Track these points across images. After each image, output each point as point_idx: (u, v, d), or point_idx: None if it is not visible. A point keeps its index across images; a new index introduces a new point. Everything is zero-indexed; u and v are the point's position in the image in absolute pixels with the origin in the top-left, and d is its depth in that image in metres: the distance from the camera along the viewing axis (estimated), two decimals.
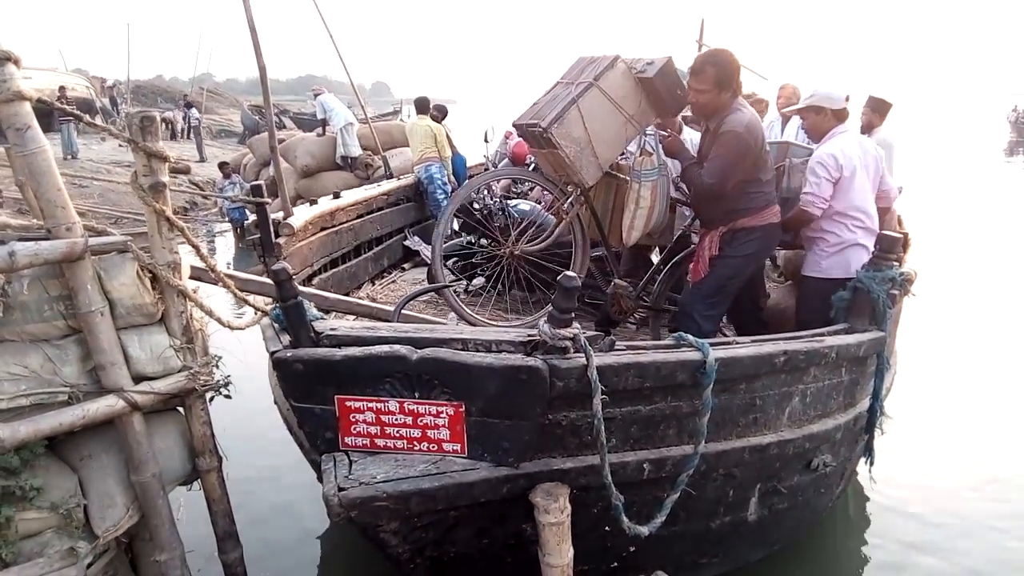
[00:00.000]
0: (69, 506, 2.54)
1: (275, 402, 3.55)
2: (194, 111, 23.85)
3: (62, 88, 19.83)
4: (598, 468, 2.26)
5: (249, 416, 4.22)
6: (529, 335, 2.26)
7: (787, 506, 3.12)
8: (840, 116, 3.83)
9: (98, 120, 2.73)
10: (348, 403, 2.20)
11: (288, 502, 4.23)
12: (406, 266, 7.06)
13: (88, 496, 2.60)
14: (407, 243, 7.19)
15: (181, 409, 2.82)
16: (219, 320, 2.73)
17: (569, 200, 4.10)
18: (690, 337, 2.54)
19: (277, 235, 4.30)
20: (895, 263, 3.28)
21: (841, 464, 3.36)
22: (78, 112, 2.74)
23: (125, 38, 28.61)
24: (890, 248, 3.25)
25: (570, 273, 2.12)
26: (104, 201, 12.62)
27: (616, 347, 2.42)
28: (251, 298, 2.99)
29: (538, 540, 2.30)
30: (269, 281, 3.31)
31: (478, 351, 2.22)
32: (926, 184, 15.95)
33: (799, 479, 3.09)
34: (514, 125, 4.05)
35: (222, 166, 13.24)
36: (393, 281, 6.17)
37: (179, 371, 2.69)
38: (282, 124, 23.13)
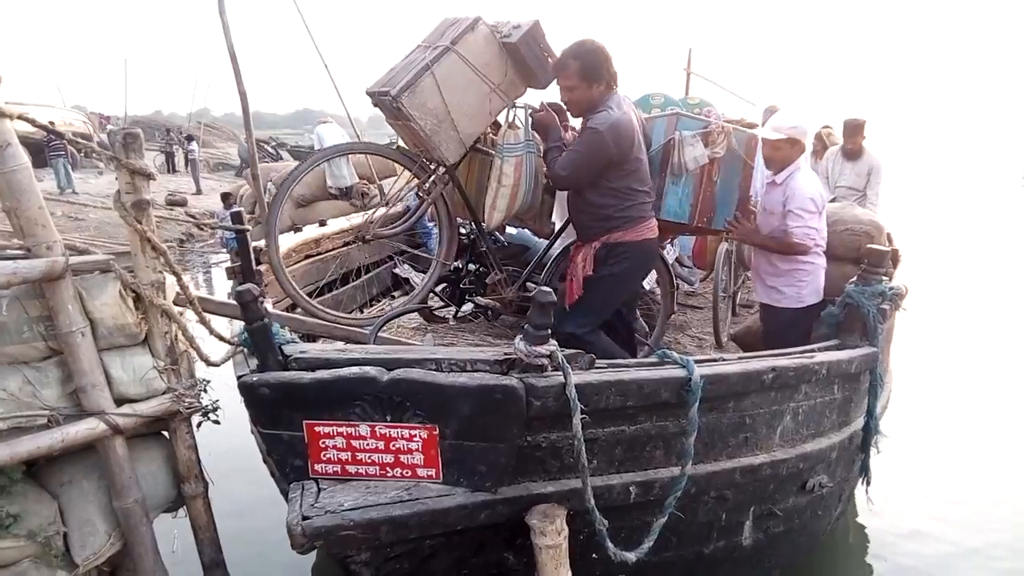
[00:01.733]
0: (48, 534, 2.34)
1: (251, 430, 3.27)
2: (193, 144, 23.32)
3: (51, 122, 19.70)
4: (581, 492, 2.01)
5: (238, 442, 3.97)
6: (505, 353, 2.03)
7: (783, 530, 2.83)
8: (803, 149, 3.64)
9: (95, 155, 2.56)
10: (317, 428, 1.97)
11: (278, 531, 3.94)
12: (396, 294, 6.79)
13: (68, 523, 2.40)
14: (396, 271, 6.93)
15: (166, 433, 2.61)
16: (198, 351, 2.52)
17: (431, 179, 3.49)
18: (674, 354, 2.30)
19: (259, 262, 4.07)
20: (884, 278, 3.04)
21: (838, 485, 3.08)
22: (72, 136, 2.57)
23: (123, 74, 27.96)
24: (878, 262, 3.01)
25: (545, 288, 1.90)
26: (100, 234, 12.38)
27: (596, 364, 2.18)
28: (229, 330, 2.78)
29: (535, 565, 2.04)
30: (230, 303, 3.12)
31: (452, 371, 1.99)
32: (932, 203, 15.53)
33: (795, 501, 2.81)
34: (367, 93, 3.44)
35: (224, 197, 13.05)
36: (382, 310, 5.93)
37: (163, 393, 2.49)
38: (279, 156, 22.94)
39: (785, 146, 3.50)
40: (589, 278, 3.26)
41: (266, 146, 23.72)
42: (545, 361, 1.94)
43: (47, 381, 2.33)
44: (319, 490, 1.97)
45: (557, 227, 4.04)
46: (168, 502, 2.63)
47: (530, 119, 3.44)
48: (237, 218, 4.12)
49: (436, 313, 5.07)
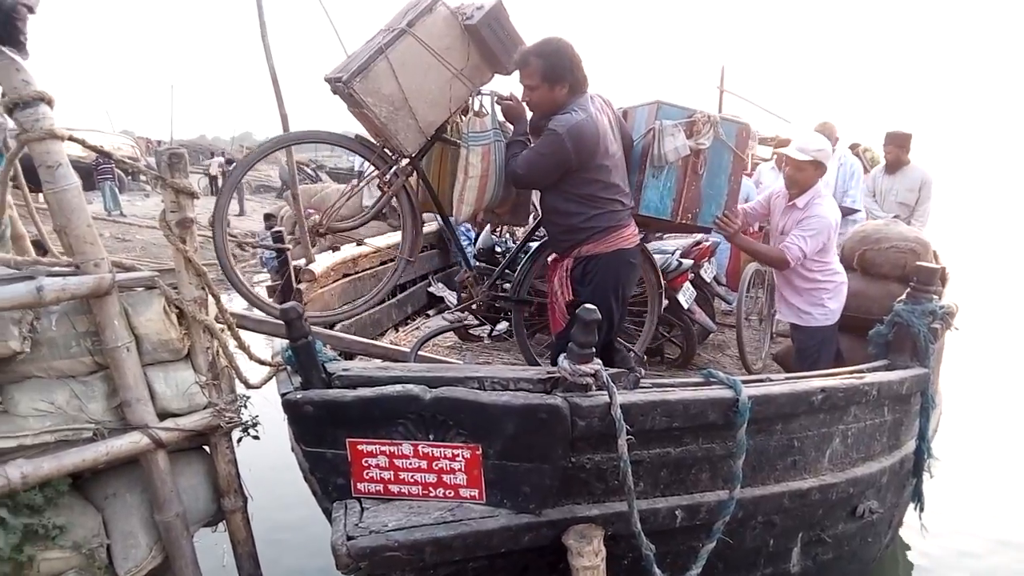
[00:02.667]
0: (92, 546, 2.32)
1: (292, 448, 3.15)
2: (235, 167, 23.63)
3: (100, 146, 20.09)
4: (627, 515, 1.93)
5: (276, 458, 3.94)
6: (548, 372, 1.96)
7: (832, 557, 2.70)
8: (824, 173, 3.54)
9: (143, 177, 2.58)
10: (360, 447, 1.92)
11: (316, 547, 3.90)
12: (430, 312, 6.74)
13: (112, 535, 2.38)
14: (431, 289, 6.89)
15: (206, 447, 2.58)
16: (238, 372, 2.50)
17: (392, 170, 3.22)
18: (721, 374, 2.21)
19: (298, 281, 4.05)
20: (934, 296, 2.91)
21: (888, 511, 2.93)
22: (109, 153, 2.59)
23: (169, 100, 28.40)
24: (928, 280, 2.89)
25: (589, 306, 1.83)
26: (146, 254, 12.56)
27: (641, 384, 2.10)
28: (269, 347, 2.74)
29: None
30: (269, 320, 3.08)
31: (495, 389, 1.93)
32: (978, 219, 15.01)
33: (844, 527, 2.68)
34: (324, 80, 3.17)
35: (267, 218, 13.17)
36: (417, 327, 5.88)
37: (204, 408, 2.47)
38: (318, 178, 23.12)
39: (809, 168, 3.42)
40: (571, 303, 2.98)
41: (306, 168, 24.07)
42: (590, 380, 1.87)
43: (93, 395, 2.32)
44: (362, 510, 1.91)
45: (532, 223, 3.81)
46: (208, 516, 2.60)
47: (497, 107, 3.20)
48: (278, 238, 4.13)
49: (471, 332, 5.02)
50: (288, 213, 13.90)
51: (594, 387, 1.89)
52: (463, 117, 3.19)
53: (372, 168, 3.28)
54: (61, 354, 2.27)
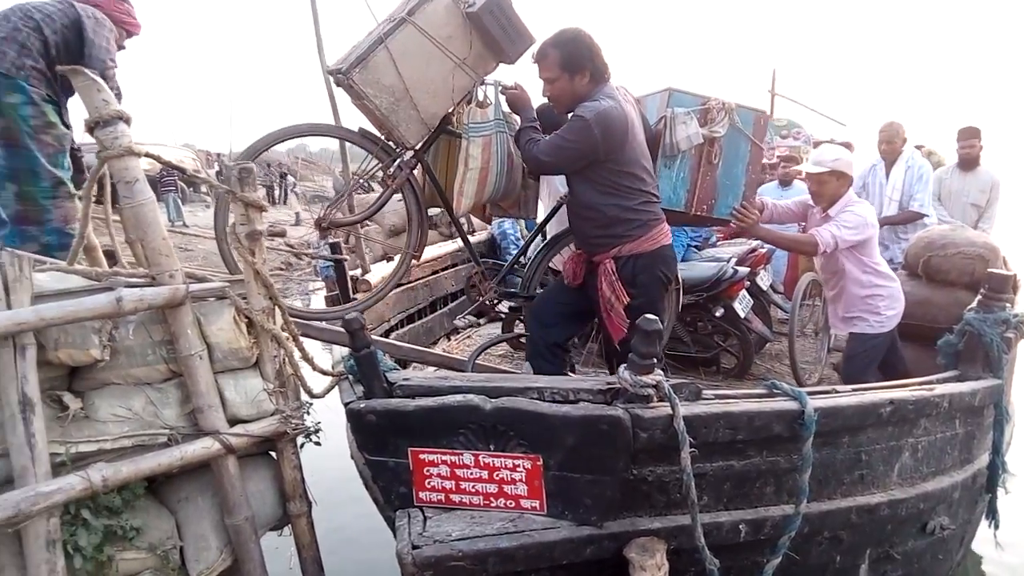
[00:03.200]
0: (166, 547, 2.38)
1: (351, 456, 3.20)
2: (289, 178, 23.86)
3: (170, 160, 20.70)
4: (690, 529, 1.89)
5: (336, 464, 3.98)
6: (608, 383, 1.94)
7: (901, 574, 2.59)
8: (850, 183, 3.42)
9: (203, 188, 2.67)
10: (422, 456, 1.93)
11: (377, 554, 3.92)
12: (481, 321, 6.77)
13: (184, 538, 2.43)
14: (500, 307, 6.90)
15: (273, 453, 2.63)
16: (302, 382, 2.54)
17: (396, 163, 3.12)
18: (785, 385, 2.15)
19: (355, 291, 4.09)
20: (1007, 304, 2.78)
21: (960, 527, 2.80)
22: (183, 168, 2.67)
23: (229, 114, 29.21)
24: (1000, 288, 2.76)
25: (650, 316, 1.80)
26: (207, 263, 12.90)
27: (703, 395, 2.06)
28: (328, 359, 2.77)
29: None
30: (330, 328, 3.12)
31: (555, 400, 1.91)
32: None
33: (914, 544, 2.57)
34: (327, 73, 3.10)
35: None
36: (468, 336, 5.92)
37: (272, 415, 2.51)
38: (371, 188, 23.38)
39: (831, 180, 3.31)
40: (630, 307, 2.84)
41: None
42: (651, 391, 1.84)
43: (168, 401, 2.39)
44: (425, 519, 1.92)
45: (541, 216, 3.69)
46: (274, 520, 2.64)
47: (501, 96, 3.11)
48: (335, 248, 4.20)
49: (523, 341, 5.01)
50: None
51: (655, 398, 1.85)
52: (465, 108, 3.10)
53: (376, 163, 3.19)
54: (138, 362, 2.34)
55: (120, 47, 3.21)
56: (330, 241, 4.46)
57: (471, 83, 3.06)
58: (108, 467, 2.17)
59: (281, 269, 14.57)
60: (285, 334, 2.53)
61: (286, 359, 2.55)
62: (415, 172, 3.22)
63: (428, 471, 1.96)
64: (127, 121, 2.20)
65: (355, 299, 4.04)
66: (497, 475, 1.91)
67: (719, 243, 5.97)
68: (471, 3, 2.93)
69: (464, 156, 2.99)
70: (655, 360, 1.81)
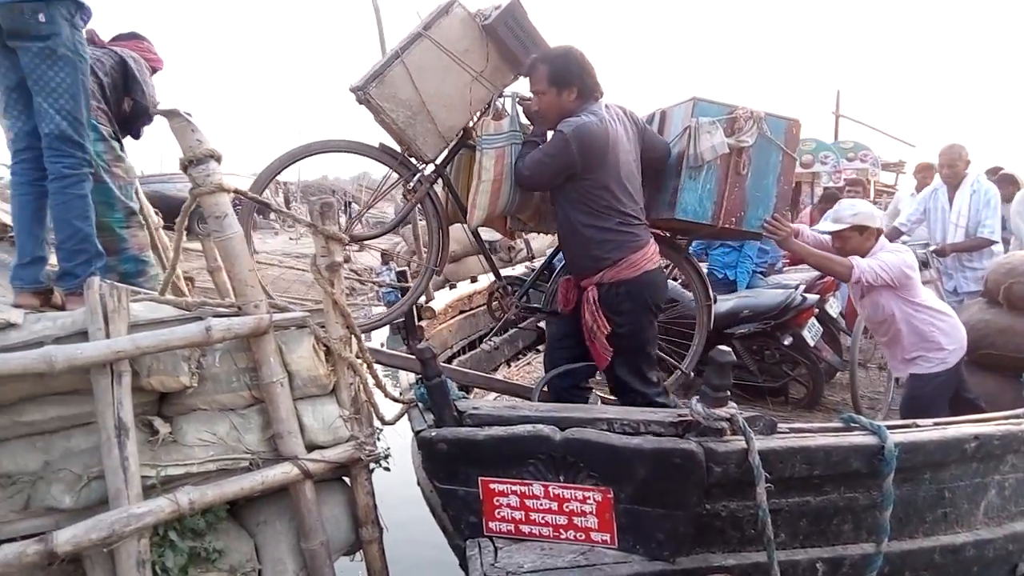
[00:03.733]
0: (246, 570, 2.44)
1: (417, 483, 3.20)
2: (354, 206, 24.25)
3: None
4: (765, 567, 1.84)
5: (403, 490, 3.98)
6: (680, 415, 1.91)
7: None
8: (878, 234, 3.19)
9: (271, 216, 2.78)
10: (492, 485, 1.94)
11: None
12: (540, 348, 6.76)
13: (262, 561, 2.49)
14: (541, 324, 6.88)
15: (346, 479, 2.68)
16: (375, 408, 2.60)
17: (416, 177, 3.10)
18: (863, 419, 2.07)
19: (420, 318, 4.14)
20: None
21: None
22: (264, 201, 2.78)
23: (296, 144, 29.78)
24: None
25: (724, 348, 1.77)
26: (276, 288, 13.11)
27: (778, 429, 2.00)
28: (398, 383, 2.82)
29: None
30: (412, 357, 3.16)
31: (625, 432, 1.90)
32: None
33: None
34: (349, 90, 3.03)
35: (383, 254, 13.63)
36: (529, 363, 5.91)
37: (346, 441, 2.57)
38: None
39: (853, 235, 3.14)
40: (613, 335, 2.82)
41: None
42: (725, 425, 1.80)
43: (250, 427, 2.47)
44: (496, 549, 1.92)
45: None
46: (347, 545, 2.68)
47: (519, 108, 3.06)
48: (402, 276, 4.29)
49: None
50: (403, 248, 14.49)
51: (729, 431, 1.82)
52: (480, 120, 3.07)
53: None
54: (223, 388, 2.44)
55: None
56: (397, 269, 4.55)
57: (489, 95, 3.05)
58: (195, 490, 2.26)
59: (346, 294, 14.85)
60: (360, 361, 2.59)
61: (360, 386, 2.61)
62: (436, 187, 3.23)
63: (498, 501, 1.96)
64: (218, 159, 2.32)
65: (420, 325, 4.11)
66: (567, 507, 1.90)
67: (785, 268, 5.82)
68: (487, 16, 2.93)
69: (477, 168, 2.96)
70: (727, 393, 1.78)
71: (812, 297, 4.25)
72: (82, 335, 2.21)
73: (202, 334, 2.25)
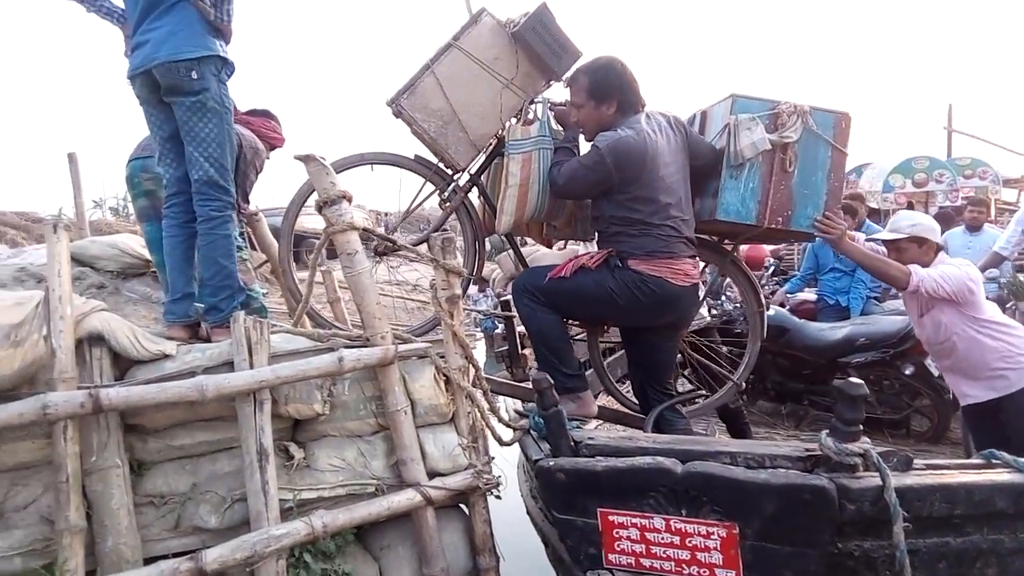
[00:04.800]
0: None
1: (527, 512, 3.17)
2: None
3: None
4: None
5: (510, 517, 3.96)
6: (807, 449, 1.85)
7: None
8: (939, 248, 2.95)
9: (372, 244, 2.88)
10: (611, 517, 1.94)
11: None
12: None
13: None
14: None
15: (463, 506, 2.74)
16: (493, 431, 2.65)
17: (451, 187, 3.11)
18: (1006, 455, 1.93)
19: (523, 347, 4.17)
20: None
21: None
22: (381, 234, 2.92)
23: (399, 176, 30.81)
24: None
25: (855, 380, 1.71)
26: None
27: (914, 465, 1.90)
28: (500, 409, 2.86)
29: None
30: (520, 385, 3.19)
31: (749, 466, 1.85)
32: None
33: None
34: (386, 104, 3.03)
35: (478, 281, 13.71)
36: (628, 391, 5.79)
37: (465, 468, 2.63)
38: (524, 242, 23.72)
39: (910, 247, 2.92)
40: (583, 270, 2.74)
41: None
42: (857, 460, 1.73)
43: (375, 453, 2.58)
44: None
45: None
46: (464, 573, 2.71)
47: (549, 114, 3.02)
48: (505, 306, 4.35)
49: (697, 401, 4.87)
50: (499, 276, 14.64)
51: (862, 468, 1.75)
52: (508, 126, 3.04)
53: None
54: (351, 416, 2.56)
55: (267, 157, 3.56)
56: (503, 298, 4.63)
57: (520, 102, 3.04)
58: (328, 514, 2.37)
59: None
60: (477, 389, 2.67)
61: (478, 414, 2.68)
62: (472, 196, 3.25)
63: (618, 533, 1.96)
64: (349, 200, 2.48)
65: (524, 353, 4.13)
66: (690, 541, 1.87)
67: (900, 295, 5.51)
68: (516, 23, 2.94)
69: (505, 174, 2.95)
70: (860, 427, 1.72)
71: None
72: (227, 365, 2.39)
73: (335, 364, 2.39)
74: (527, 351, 4.39)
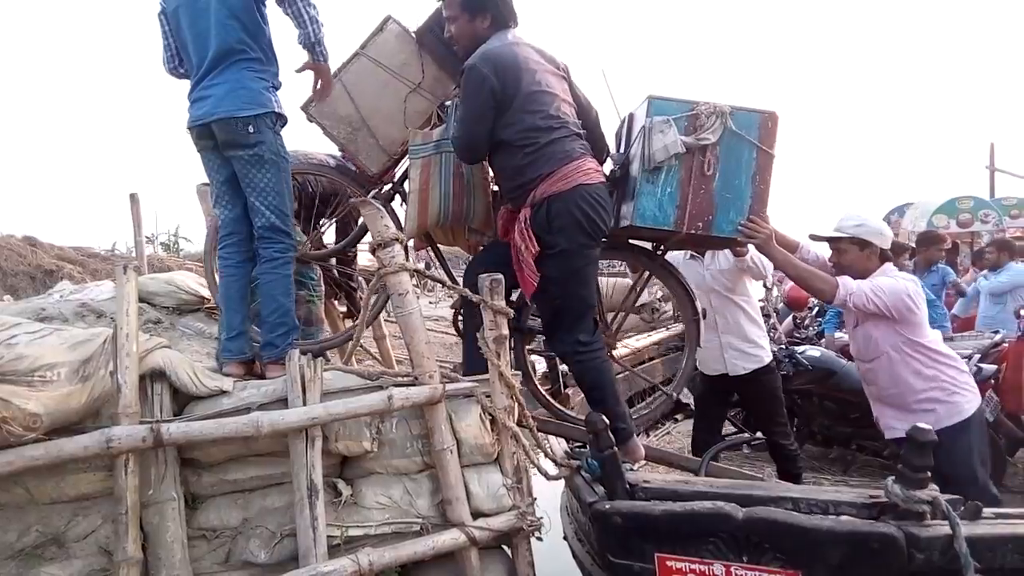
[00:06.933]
0: None
1: (573, 555, 3.07)
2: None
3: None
4: None
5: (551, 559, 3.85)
6: (872, 496, 1.80)
7: None
8: (885, 257, 2.78)
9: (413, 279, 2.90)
10: (669, 563, 1.90)
11: None
12: (678, 417, 6.42)
13: None
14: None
15: (506, 547, 2.70)
16: (539, 468, 2.63)
17: (370, 195, 3.09)
18: None
19: (565, 385, 4.15)
20: None
21: None
22: (440, 280, 2.96)
23: None
24: None
25: (923, 426, 1.67)
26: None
27: (983, 514, 1.83)
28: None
29: None
30: (569, 424, 3.16)
31: (812, 512, 1.81)
32: None
33: None
34: (300, 109, 3.05)
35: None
36: (667, 432, 5.66)
37: (509, 509, 2.60)
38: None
39: (852, 249, 2.76)
40: (544, 258, 2.61)
41: None
42: (926, 508, 1.68)
43: (421, 492, 2.56)
44: None
45: None
46: None
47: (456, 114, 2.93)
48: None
49: (755, 444, 4.79)
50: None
51: (930, 516, 1.69)
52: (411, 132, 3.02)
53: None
54: (398, 454, 2.56)
55: None
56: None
57: (430, 106, 3.04)
58: (374, 552, 2.36)
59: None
60: (522, 431, 2.65)
61: (523, 455, 2.66)
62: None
63: None
64: (401, 243, 2.53)
65: (567, 393, 4.10)
66: None
67: (954, 336, 5.37)
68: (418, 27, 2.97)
69: (409, 180, 2.95)
70: (928, 474, 1.67)
71: (989, 368, 3.88)
72: (281, 402, 2.42)
73: (384, 402, 2.40)
74: (570, 390, 4.36)
